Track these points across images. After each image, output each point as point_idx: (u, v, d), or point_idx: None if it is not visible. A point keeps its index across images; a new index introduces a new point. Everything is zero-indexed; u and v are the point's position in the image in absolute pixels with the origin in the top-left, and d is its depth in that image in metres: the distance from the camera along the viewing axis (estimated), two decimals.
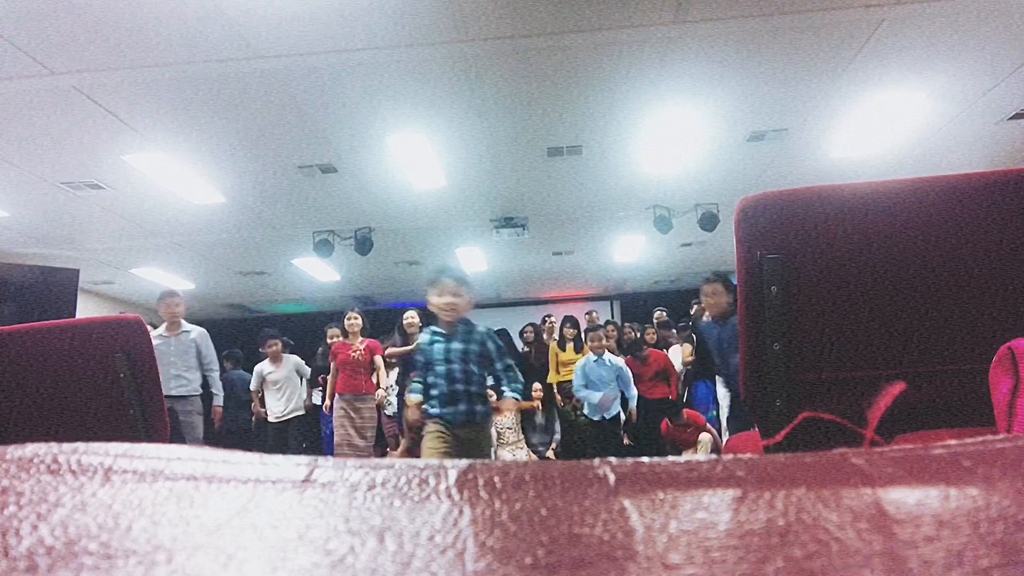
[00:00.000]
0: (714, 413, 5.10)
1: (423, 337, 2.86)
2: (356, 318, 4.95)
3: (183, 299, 4.67)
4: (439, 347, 2.74)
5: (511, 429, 5.44)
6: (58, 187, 5.15)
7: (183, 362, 4.44)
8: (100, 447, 0.28)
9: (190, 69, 3.56)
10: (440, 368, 2.72)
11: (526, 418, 5.56)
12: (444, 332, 2.77)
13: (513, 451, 5.39)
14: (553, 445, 5.48)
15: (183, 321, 4.59)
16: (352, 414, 4.73)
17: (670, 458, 0.27)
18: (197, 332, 4.61)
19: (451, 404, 2.69)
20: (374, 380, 4.95)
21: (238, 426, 6.38)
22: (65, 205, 5.56)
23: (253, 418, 6.28)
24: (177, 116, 4.10)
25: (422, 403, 2.79)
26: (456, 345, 2.73)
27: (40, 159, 4.63)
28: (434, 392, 2.74)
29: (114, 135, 4.27)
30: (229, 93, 3.86)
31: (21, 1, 2.93)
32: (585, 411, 5.11)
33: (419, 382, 2.84)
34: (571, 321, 5.87)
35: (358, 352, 4.86)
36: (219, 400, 4.76)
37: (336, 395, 4.86)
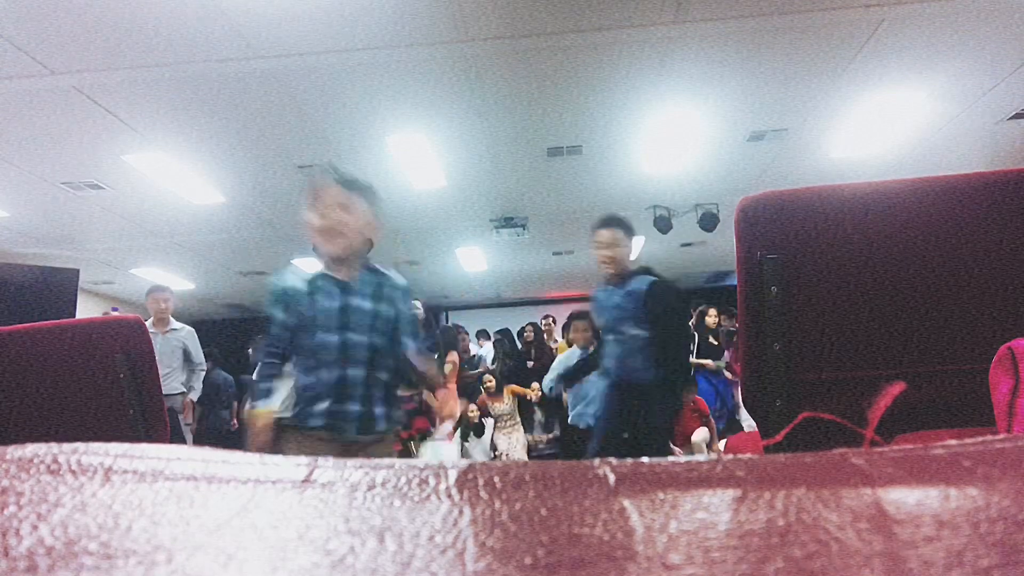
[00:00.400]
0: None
1: (289, 279, 1.70)
2: None
3: (173, 295, 4.57)
4: (327, 299, 1.66)
5: (508, 414, 5.40)
6: (58, 187, 5.15)
7: (169, 361, 4.34)
8: (100, 447, 0.28)
9: (190, 69, 3.57)
10: (328, 338, 1.64)
11: (525, 417, 5.55)
12: (336, 277, 1.70)
13: (509, 435, 5.34)
14: (549, 436, 5.45)
15: (172, 319, 4.49)
16: None
17: (670, 458, 0.27)
18: (186, 331, 4.51)
19: (339, 400, 1.64)
20: None
21: (219, 426, 6.38)
22: (65, 205, 5.56)
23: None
24: (177, 116, 4.10)
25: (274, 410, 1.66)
26: (359, 303, 1.68)
27: (40, 159, 4.63)
28: (309, 379, 1.66)
29: (114, 135, 4.27)
30: (229, 93, 3.86)
31: (21, 1, 2.93)
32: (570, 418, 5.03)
33: (274, 360, 1.70)
34: (580, 316, 5.80)
35: None
36: (194, 395, 4.63)
37: None
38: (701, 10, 3.30)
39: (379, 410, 1.69)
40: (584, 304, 9.95)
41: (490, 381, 5.58)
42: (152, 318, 4.42)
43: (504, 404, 5.45)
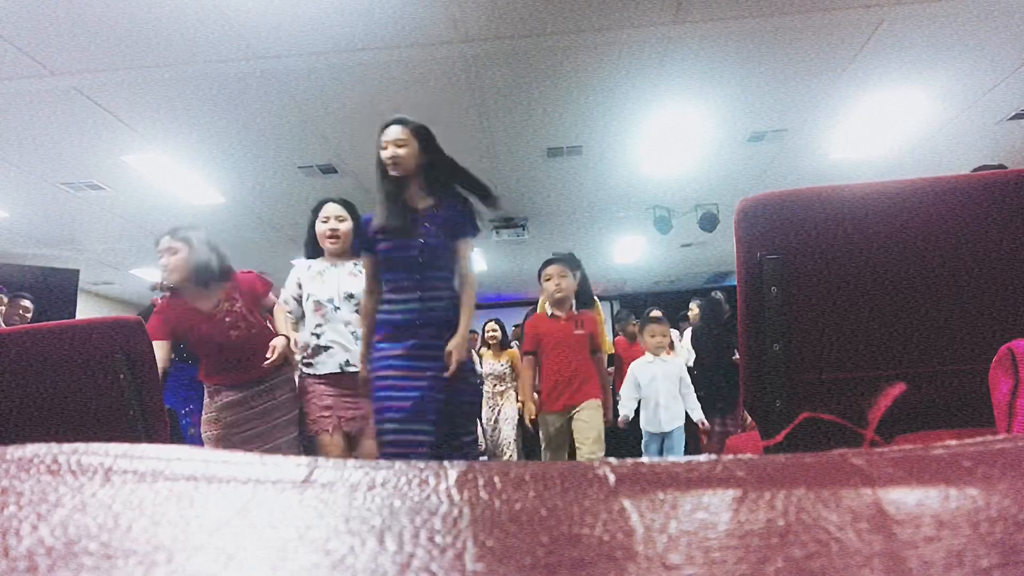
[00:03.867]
0: None
1: None
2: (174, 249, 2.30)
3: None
4: None
5: (499, 377, 4.72)
6: (58, 187, 5.15)
7: None
8: (100, 447, 0.28)
9: (190, 69, 3.56)
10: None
11: None
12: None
13: (493, 405, 4.63)
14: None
15: None
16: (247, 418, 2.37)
17: (670, 458, 0.27)
18: None
19: None
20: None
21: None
22: (65, 205, 5.56)
23: None
24: (177, 116, 4.10)
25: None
26: None
27: (40, 159, 4.63)
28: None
29: (114, 135, 4.27)
30: (229, 93, 3.86)
31: (21, 1, 2.93)
32: None
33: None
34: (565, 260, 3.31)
35: (224, 306, 2.36)
36: None
37: (209, 390, 2.43)
38: (701, 10, 3.30)
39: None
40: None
41: (494, 331, 4.87)
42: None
43: (499, 363, 4.72)
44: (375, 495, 0.25)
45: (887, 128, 4.76)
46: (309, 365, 2.41)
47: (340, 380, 2.38)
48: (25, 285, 5.91)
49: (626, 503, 0.24)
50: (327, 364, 2.38)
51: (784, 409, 0.95)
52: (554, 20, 3.34)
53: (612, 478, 0.25)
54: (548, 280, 3.07)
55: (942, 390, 0.93)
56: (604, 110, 4.35)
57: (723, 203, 6.31)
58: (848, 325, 0.94)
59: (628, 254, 8.29)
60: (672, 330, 4.67)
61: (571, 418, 2.85)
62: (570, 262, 3.22)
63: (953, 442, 0.27)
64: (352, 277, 2.48)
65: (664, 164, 5.33)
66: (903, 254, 0.91)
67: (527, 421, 3.08)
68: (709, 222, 6.36)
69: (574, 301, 3.13)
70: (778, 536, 0.21)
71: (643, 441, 3.51)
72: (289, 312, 2.57)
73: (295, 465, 0.27)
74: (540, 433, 2.99)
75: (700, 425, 3.43)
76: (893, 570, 0.19)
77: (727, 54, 3.69)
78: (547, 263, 3.12)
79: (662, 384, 3.44)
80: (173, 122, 4.18)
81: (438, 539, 0.21)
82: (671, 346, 3.82)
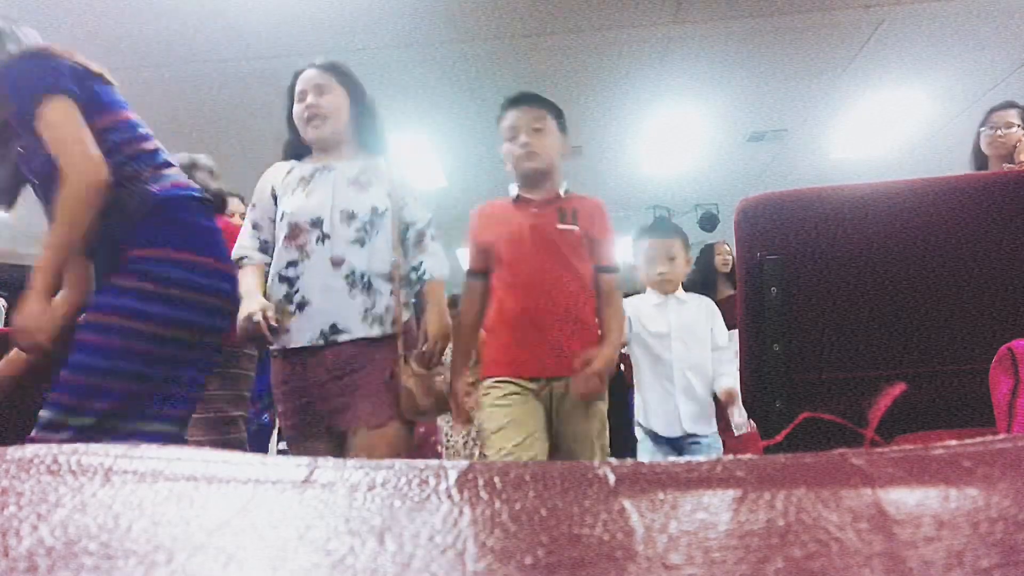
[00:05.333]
0: None
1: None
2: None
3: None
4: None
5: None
6: None
7: None
8: (100, 447, 0.28)
9: (190, 69, 3.56)
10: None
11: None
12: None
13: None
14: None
15: None
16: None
17: (670, 459, 0.27)
18: None
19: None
20: None
21: None
22: None
23: None
24: (177, 116, 4.10)
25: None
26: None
27: None
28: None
29: None
30: (229, 93, 3.86)
31: (21, 1, 2.93)
32: None
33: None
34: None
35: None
36: None
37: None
38: (701, 10, 3.30)
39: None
40: None
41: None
42: None
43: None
44: (375, 495, 0.25)
45: (887, 128, 4.76)
46: (274, 332, 1.45)
47: (322, 360, 1.48)
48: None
49: (626, 503, 0.24)
50: (302, 331, 1.49)
51: (784, 409, 0.95)
52: (554, 20, 3.34)
53: (612, 478, 0.25)
54: (512, 139, 1.63)
55: (942, 390, 0.93)
56: (604, 110, 4.35)
57: (723, 203, 6.31)
58: (848, 325, 0.94)
59: (628, 254, 8.29)
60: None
61: (551, 397, 1.52)
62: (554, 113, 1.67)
63: (953, 442, 0.27)
64: (355, 188, 1.65)
65: (664, 164, 5.33)
66: (903, 254, 0.91)
67: (452, 411, 1.60)
68: (709, 222, 6.36)
69: (559, 179, 1.68)
70: (778, 536, 0.21)
71: (638, 451, 2.08)
72: (249, 257, 1.62)
73: (295, 465, 0.27)
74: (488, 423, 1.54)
75: (723, 394, 1.96)
76: (893, 570, 0.19)
77: (727, 54, 3.69)
78: (508, 103, 1.69)
79: (678, 341, 2.05)
80: (172, 122, 4.18)
81: (438, 539, 0.21)
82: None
